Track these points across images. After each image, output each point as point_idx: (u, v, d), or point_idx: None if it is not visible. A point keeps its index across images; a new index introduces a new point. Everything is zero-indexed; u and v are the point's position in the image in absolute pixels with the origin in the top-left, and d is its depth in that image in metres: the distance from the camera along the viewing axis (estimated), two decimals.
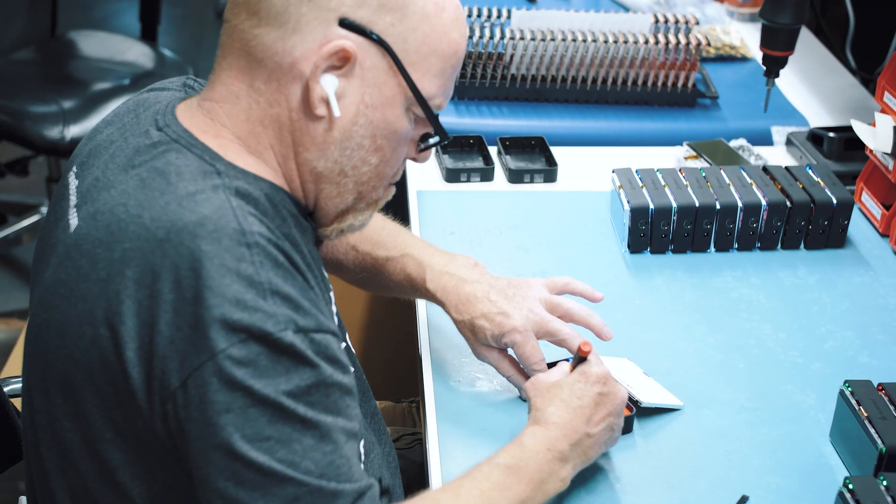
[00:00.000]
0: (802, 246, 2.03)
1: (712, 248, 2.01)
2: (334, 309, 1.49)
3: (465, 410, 1.63)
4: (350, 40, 1.29)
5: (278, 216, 1.32)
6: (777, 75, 1.40)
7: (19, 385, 1.84)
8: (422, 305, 1.85)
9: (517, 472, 1.36)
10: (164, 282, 1.21)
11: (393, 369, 2.32)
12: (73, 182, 1.40)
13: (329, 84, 1.30)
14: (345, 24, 1.29)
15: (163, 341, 1.20)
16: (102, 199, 1.30)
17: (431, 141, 1.42)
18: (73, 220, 1.33)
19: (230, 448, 1.19)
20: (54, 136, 3.14)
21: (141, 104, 1.43)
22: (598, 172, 2.23)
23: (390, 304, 2.55)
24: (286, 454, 1.20)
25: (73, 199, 1.37)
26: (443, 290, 1.68)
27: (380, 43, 1.31)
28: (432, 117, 1.38)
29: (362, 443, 1.46)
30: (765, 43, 1.37)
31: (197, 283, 1.19)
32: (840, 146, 2.24)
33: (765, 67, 1.40)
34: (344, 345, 1.56)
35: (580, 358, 1.49)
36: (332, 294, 1.49)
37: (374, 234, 1.79)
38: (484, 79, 2.47)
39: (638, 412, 1.60)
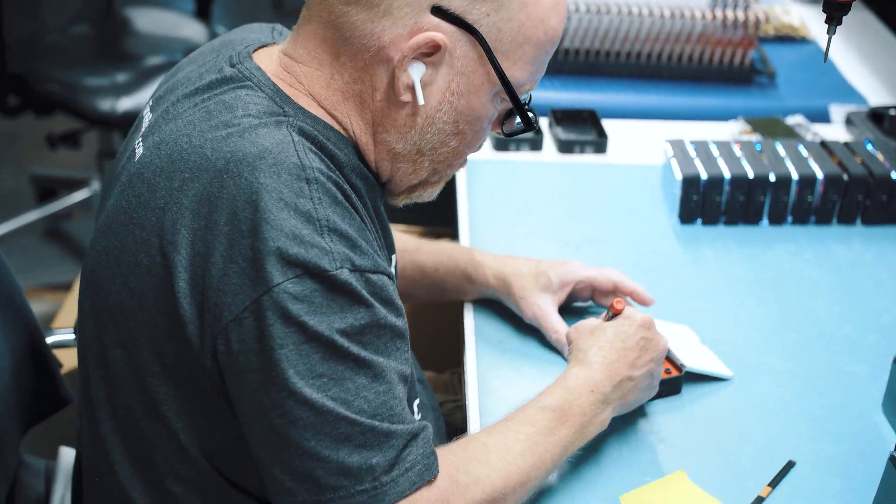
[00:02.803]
0: (859, 221, 1.98)
1: (765, 221, 1.97)
2: (394, 272, 1.47)
3: (504, 376, 1.61)
4: (441, 30, 1.25)
5: (346, 165, 1.30)
6: (839, 23, 1.35)
7: (63, 336, 1.85)
8: None
9: (562, 416, 1.35)
10: (221, 213, 1.19)
11: (436, 343, 2.30)
12: (147, 115, 1.39)
13: (416, 72, 1.27)
14: (437, 11, 1.25)
15: (217, 273, 1.19)
16: (168, 130, 1.29)
17: (517, 127, 1.38)
18: (139, 150, 1.32)
19: (284, 383, 1.17)
20: (106, 108, 3.15)
21: (226, 44, 1.42)
22: (650, 146, 2.19)
23: None
24: (339, 392, 1.18)
25: (143, 130, 1.36)
26: (493, 257, 1.71)
27: (472, 33, 1.26)
28: (520, 106, 1.33)
29: (417, 402, 1.44)
30: None
31: (254, 215, 1.17)
32: None
33: (826, 14, 1.36)
34: None
35: (613, 315, 1.48)
36: (394, 257, 1.47)
37: (399, 235, 1.78)
38: None
39: (686, 376, 1.57)
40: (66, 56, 3.33)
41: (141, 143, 1.33)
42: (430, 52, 1.26)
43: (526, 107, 1.35)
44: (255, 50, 1.37)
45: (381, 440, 1.19)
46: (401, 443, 1.20)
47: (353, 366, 1.18)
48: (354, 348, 1.18)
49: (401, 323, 1.25)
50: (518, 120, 1.35)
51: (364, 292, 1.19)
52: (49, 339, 1.78)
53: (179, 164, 1.24)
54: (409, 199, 1.42)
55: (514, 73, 1.30)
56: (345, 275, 1.18)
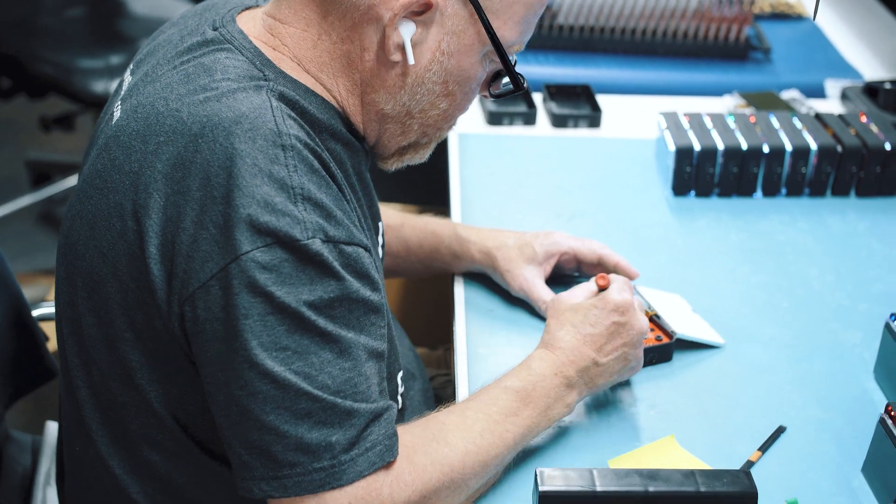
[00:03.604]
0: (853, 193, 1.96)
1: (759, 193, 1.95)
2: (381, 240, 1.45)
3: (494, 344, 1.60)
4: None
5: (325, 131, 1.28)
6: None
7: (49, 309, 1.84)
8: None
9: (524, 397, 1.32)
10: (194, 178, 1.17)
11: (429, 320, 2.30)
12: (127, 79, 1.37)
13: (406, 31, 1.25)
14: None
15: (186, 239, 1.16)
16: (146, 92, 1.27)
17: (505, 88, 1.36)
18: (117, 113, 1.30)
19: (246, 354, 1.14)
20: (100, 90, 3.14)
21: (209, 7, 1.40)
22: (644, 121, 2.17)
23: None
24: (302, 366, 1.15)
25: (122, 93, 1.34)
26: (477, 232, 1.69)
27: None
28: (509, 66, 1.32)
29: (401, 374, 1.42)
30: None
31: (227, 182, 1.15)
32: None
33: None
34: None
35: (599, 290, 1.45)
36: (381, 224, 1.45)
37: (385, 210, 1.76)
38: None
39: (677, 344, 1.55)
40: (60, 38, 3.32)
41: (119, 107, 1.31)
42: (421, 11, 1.24)
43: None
44: (239, 12, 1.35)
45: (342, 418, 1.16)
46: (362, 422, 1.17)
47: (319, 340, 1.16)
48: (321, 322, 1.16)
49: (376, 297, 1.22)
50: (505, 81, 1.34)
51: (336, 264, 1.17)
52: (35, 312, 1.76)
53: (155, 128, 1.22)
54: (399, 163, 1.40)
55: (503, 34, 1.29)
56: (316, 245, 1.15)
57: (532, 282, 1.61)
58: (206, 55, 1.27)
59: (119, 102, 1.32)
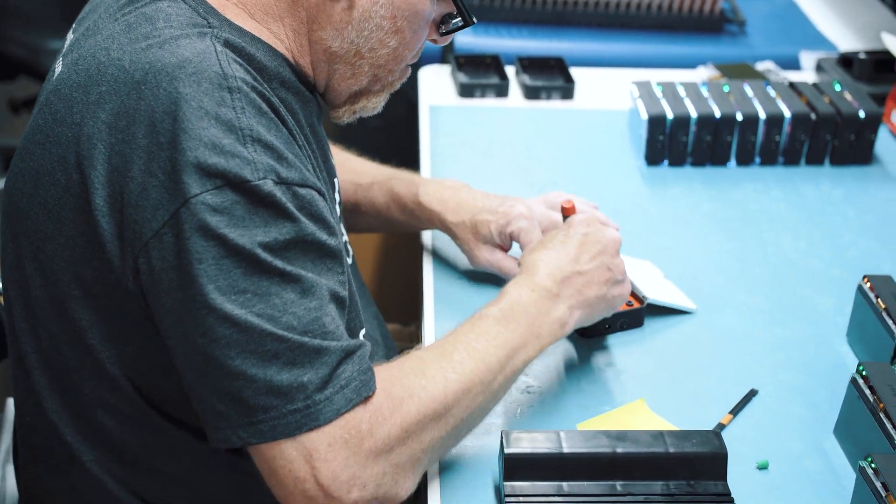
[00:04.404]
0: (828, 161, 1.94)
1: (733, 162, 1.93)
2: (338, 198, 1.42)
3: (461, 321, 1.56)
4: None
5: (275, 79, 1.25)
6: None
7: None
8: (427, 236, 1.75)
9: (502, 319, 1.29)
10: (139, 126, 1.14)
11: (402, 296, 2.28)
12: (69, 37, 1.34)
13: None
14: None
15: (135, 188, 1.13)
16: (87, 45, 1.24)
17: (454, 25, 1.35)
18: (59, 68, 1.27)
19: (204, 300, 1.11)
20: None
21: None
22: (618, 92, 2.15)
23: (401, 238, 2.49)
24: (265, 308, 1.12)
25: (63, 50, 1.31)
26: (439, 200, 1.63)
27: None
28: None
29: (363, 332, 1.39)
30: None
31: (173, 126, 1.12)
32: (870, 67, 2.15)
33: None
34: (350, 261, 1.49)
35: (565, 217, 1.44)
36: (337, 181, 1.42)
37: (357, 165, 1.74)
38: (504, 0, 2.40)
39: (649, 309, 1.53)
40: (30, 18, 3.28)
41: (61, 62, 1.28)
42: None
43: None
44: None
45: (312, 357, 1.13)
46: (334, 360, 1.14)
47: (280, 280, 1.13)
48: (279, 263, 1.12)
49: (333, 241, 1.19)
50: (455, 20, 1.32)
51: (290, 206, 1.14)
52: None
53: (97, 78, 1.19)
54: (351, 113, 1.37)
55: None
56: (268, 186, 1.12)
57: (494, 258, 1.58)
58: (148, 5, 1.24)
59: (61, 59, 1.29)
